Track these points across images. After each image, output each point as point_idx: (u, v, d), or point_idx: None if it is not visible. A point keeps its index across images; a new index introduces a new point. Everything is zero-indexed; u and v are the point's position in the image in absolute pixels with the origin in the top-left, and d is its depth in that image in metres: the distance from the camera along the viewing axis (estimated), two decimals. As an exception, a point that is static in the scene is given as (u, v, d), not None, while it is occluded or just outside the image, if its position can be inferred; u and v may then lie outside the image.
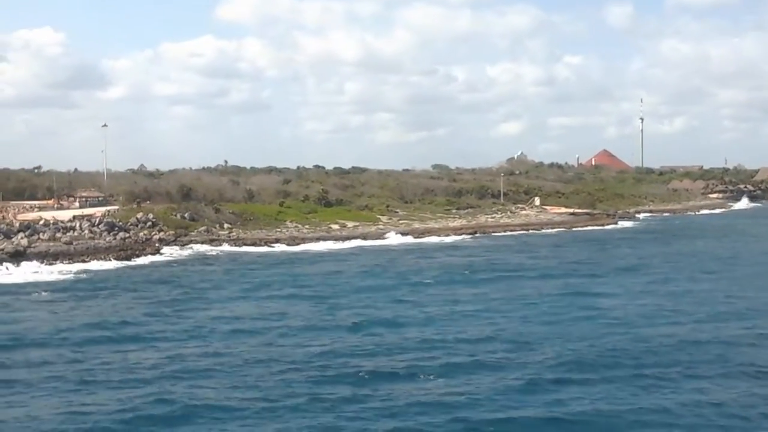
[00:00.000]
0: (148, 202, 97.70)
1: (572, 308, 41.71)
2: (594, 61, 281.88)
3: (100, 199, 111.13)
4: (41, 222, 71.85)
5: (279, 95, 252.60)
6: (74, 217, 78.18)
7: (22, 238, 65.16)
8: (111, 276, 55.03)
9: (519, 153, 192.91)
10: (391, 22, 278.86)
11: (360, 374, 28.36)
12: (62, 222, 73.27)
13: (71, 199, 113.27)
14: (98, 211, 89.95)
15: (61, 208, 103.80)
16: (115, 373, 28.79)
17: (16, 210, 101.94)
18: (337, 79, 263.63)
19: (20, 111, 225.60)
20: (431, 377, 28.22)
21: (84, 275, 55.26)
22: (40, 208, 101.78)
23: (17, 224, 68.82)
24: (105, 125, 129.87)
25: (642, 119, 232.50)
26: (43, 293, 47.04)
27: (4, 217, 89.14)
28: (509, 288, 49.25)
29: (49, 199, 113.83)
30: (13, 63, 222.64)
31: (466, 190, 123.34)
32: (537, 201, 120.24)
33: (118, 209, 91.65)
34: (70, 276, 54.66)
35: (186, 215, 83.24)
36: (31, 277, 53.77)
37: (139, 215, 79.42)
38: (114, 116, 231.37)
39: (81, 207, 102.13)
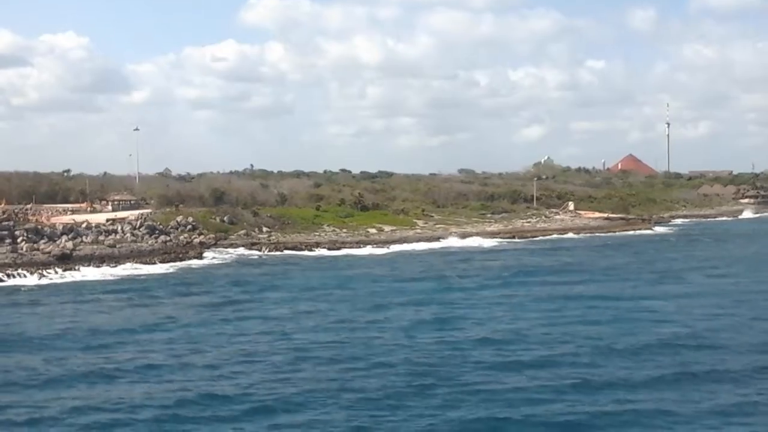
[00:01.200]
0: (181, 205, 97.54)
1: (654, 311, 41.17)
2: (617, 66, 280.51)
3: (131, 202, 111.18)
4: (83, 225, 71.59)
5: (301, 99, 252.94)
6: (108, 220, 78.06)
7: (66, 241, 64.95)
8: (162, 278, 54.78)
9: (546, 158, 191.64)
10: (413, 27, 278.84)
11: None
12: (104, 225, 73.03)
13: (104, 202, 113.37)
14: (131, 214, 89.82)
15: (94, 211, 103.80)
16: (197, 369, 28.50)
17: (50, 213, 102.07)
18: (359, 83, 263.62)
19: (45, 115, 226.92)
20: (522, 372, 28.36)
21: (135, 278, 55.06)
22: (74, 212, 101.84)
23: (60, 227, 68.51)
24: (137, 129, 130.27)
25: (668, 124, 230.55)
26: (102, 295, 46.63)
27: (38, 221, 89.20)
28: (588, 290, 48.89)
29: (82, 202, 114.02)
30: (37, 67, 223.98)
31: (498, 194, 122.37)
32: (571, 206, 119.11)
33: (151, 212, 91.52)
34: (122, 279, 54.40)
35: (225, 219, 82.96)
36: (83, 280, 53.47)
37: (179, 218, 79.19)
38: (137, 120, 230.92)
39: (114, 210, 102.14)
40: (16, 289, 49.71)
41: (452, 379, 27.61)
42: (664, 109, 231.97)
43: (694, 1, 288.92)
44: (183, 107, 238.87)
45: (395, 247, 77.84)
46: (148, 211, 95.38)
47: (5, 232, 62.85)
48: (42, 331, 36.20)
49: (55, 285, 51.70)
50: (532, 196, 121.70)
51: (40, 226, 67.92)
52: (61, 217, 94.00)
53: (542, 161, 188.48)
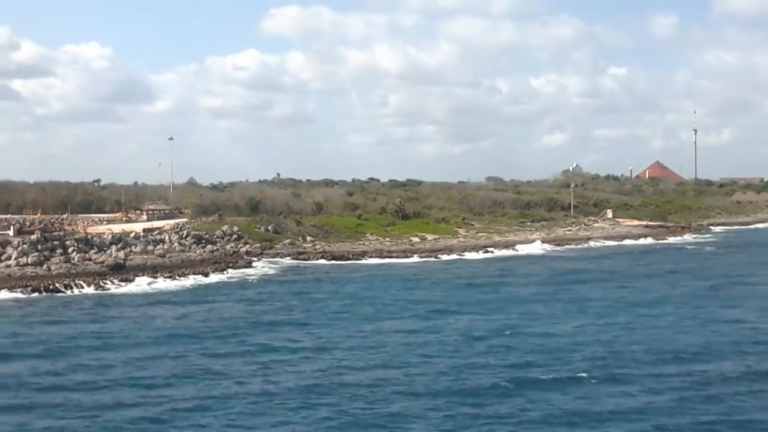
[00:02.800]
0: (217, 215, 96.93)
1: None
2: (639, 72, 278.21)
3: (166, 212, 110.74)
4: (132, 235, 70.96)
5: (323, 108, 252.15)
6: (145, 229, 77.45)
7: (116, 251, 64.22)
8: (226, 286, 54.20)
9: (574, 165, 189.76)
10: (434, 34, 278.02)
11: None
12: (152, 235, 72.44)
13: (138, 212, 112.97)
14: (167, 223, 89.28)
15: (129, 220, 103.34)
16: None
17: (86, 223, 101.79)
18: (381, 91, 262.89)
19: (68, 125, 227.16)
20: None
21: (201, 286, 54.73)
22: (109, 221, 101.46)
23: (110, 237, 67.82)
24: (171, 138, 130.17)
25: (695, 130, 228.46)
26: (167, 305, 45.92)
27: (74, 230, 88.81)
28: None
29: (117, 212, 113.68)
30: (61, 77, 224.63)
31: (533, 202, 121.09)
32: (609, 213, 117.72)
33: (187, 222, 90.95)
34: (189, 288, 53.93)
35: (269, 228, 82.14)
36: (151, 289, 52.83)
37: (224, 228, 78.47)
38: (160, 130, 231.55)
39: (149, 220, 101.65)
40: (80, 299, 48.78)
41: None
42: (687, 115, 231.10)
43: (716, 8, 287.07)
44: (205, 116, 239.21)
45: (471, 255, 77.76)
46: (184, 220, 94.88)
47: (56, 242, 62.15)
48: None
49: (126, 294, 50.71)
50: (569, 203, 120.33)
51: (90, 236, 67.17)
52: (97, 226, 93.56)
53: (570, 168, 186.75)
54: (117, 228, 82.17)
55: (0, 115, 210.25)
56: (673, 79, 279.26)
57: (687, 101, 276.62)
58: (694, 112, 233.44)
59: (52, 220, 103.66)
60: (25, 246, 59.17)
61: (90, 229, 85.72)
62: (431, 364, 30.59)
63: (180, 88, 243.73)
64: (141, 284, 55.49)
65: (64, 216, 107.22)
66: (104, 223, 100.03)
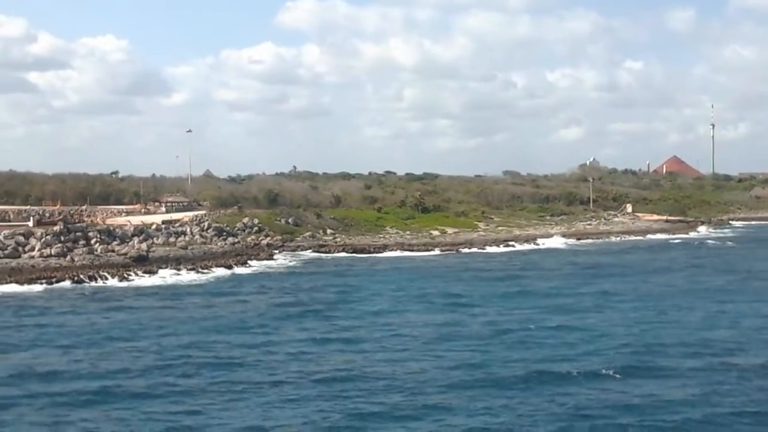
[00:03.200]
0: (235, 207, 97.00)
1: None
2: (655, 67, 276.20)
3: (184, 204, 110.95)
4: (153, 227, 71.02)
5: (338, 101, 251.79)
6: (164, 221, 77.54)
7: (139, 242, 64.23)
8: (247, 280, 54.01)
9: (591, 159, 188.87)
10: (450, 28, 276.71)
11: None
12: (173, 227, 72.49)
13: (157, 203, 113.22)
14: (185, 216, 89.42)
15: (148, 212, 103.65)
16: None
17: (105, 215, 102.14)
18: (396, 85, 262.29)
19: (85, 117, 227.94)
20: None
21: (226, 278, 54.57)
22: (128, 213, 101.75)
23: (132, 229, 67.89)
24: (189, 131, 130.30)
25: (713, 125, 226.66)
26: (196, 298, 45.79)
27: (93, 222, 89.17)
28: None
29: (136, 203, 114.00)
30: (77, 70, 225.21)
31: (552, 196, 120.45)
32: (629, 208, 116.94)
33: (206, 214, 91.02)
34: (215, 279, 53.76)
35: (289, 220, 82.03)
36: (166, 282, 52.63)
37: (245, 220, 78.41)
38: (176, 122, 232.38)
39: (167, 212, 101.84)
40: (106, 290, 48.74)
41: None
42: (704, 110, 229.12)
43: (733, 2, 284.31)
44: (221, 109, 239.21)
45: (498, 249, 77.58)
46: (203, 212, 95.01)
47: (79, 234, 62.20)
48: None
49: (152, 287, 50.42)
50: (588, 198, 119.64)
51: (112, 228, 67.24)
52: (116, 218, 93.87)
53: (587, 163, 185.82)
54: (136, 220, 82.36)
55: (17, 107, 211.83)
56: (690, 73, 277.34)
57: (704, 96, 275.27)
58: (712, 107, 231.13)
59: (72, 212, 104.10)
60: (49, 237, 59.23)
61: (109, 221, 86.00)
62: (462, 355, 30.44)
63: (196, 80, 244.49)
64: (165, 276, 55.45)
65: (84, 207, 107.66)
66: (123, 214, 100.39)
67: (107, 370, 28.14)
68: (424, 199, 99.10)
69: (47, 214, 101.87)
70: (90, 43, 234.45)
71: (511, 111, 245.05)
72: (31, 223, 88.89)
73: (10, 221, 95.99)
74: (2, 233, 59.63)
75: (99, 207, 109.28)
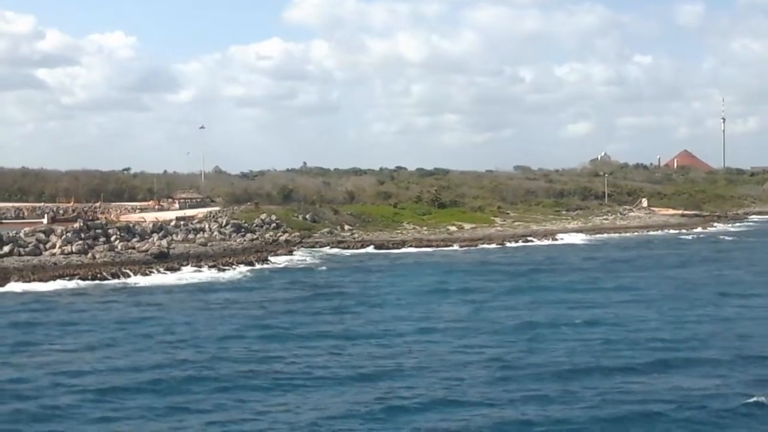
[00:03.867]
0: (248, 203, 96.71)
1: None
2: (664, 61, 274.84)
3: (198, 200, 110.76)
4: (172, 223, 70.74)
5: (346, 97, 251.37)
6: (178, 218, 77.29)
7: (158, 239, 63.88)
8: (271, 276, 53.62)
9: (602, 153, 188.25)
10: (458, 23, 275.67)
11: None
12: (192, 223, 72.21)
13: (170, 200, 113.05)
14: (199, 212, 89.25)
15: (161, 209, 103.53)
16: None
17: (119, 211, 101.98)
18: (404, 80, 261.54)
19: (94, 114, 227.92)
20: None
21: (242, 276, 53.94)
22: (142, 210, 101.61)
23: (151, 226, 67.58)
24: (203, 127, 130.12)
25: (724, 119, 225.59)
26: (224, 294, 45.47)
27: (107, 218, 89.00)
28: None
29: (149, 200, 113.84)
30: (86, 67, 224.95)
31: (567, 191, 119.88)
32: (644, 202, 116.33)
33: (219, 210, 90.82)
34: (230, 277, 53.24)
35: (307, 217, 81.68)
36: (189, 279, 52.26)
37: (263, 216, 78.06)
38: (184, 119, 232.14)
39: (181, 208, 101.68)
40: (129, 287, 48.30)
41: None
42: (713, 104, 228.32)
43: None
44: (229, 105, 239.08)
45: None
46: (216, 209, 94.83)
47: (99, 231, 61.87)
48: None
49: (177, 284, 49.72)
50: (603, 192, 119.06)
51: (131, 225, 66.93)
52: (130, 215, 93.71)
53: (599, 157, 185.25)
54: (150, 216, 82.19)
55: (26, 104, 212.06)
56: (699, 67, 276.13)
57: (713, 89, 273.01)
58: (723, 101, 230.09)
59: (85, 209, 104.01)
60: (69, 234, 58.86)
61: (123, 218, 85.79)
62: (497, 350, 30.00)
63: (204, 77, 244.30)
64: (188, 273, 55.05)
65: (97, 204, 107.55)
66: (137, 211, 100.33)
67: (144, 365, 27.87)
68: (440, 194, 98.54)
69: (61, 211, 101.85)
70: (98, 39, 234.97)
71: (519, 106, 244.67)
72: (45, 220, 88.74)
73: (24, 218, 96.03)
74: (22, 230, 59.31)
75: (113, 204, 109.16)
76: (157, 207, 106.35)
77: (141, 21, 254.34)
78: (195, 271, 55.80)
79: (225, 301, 42.40)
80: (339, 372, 26.95)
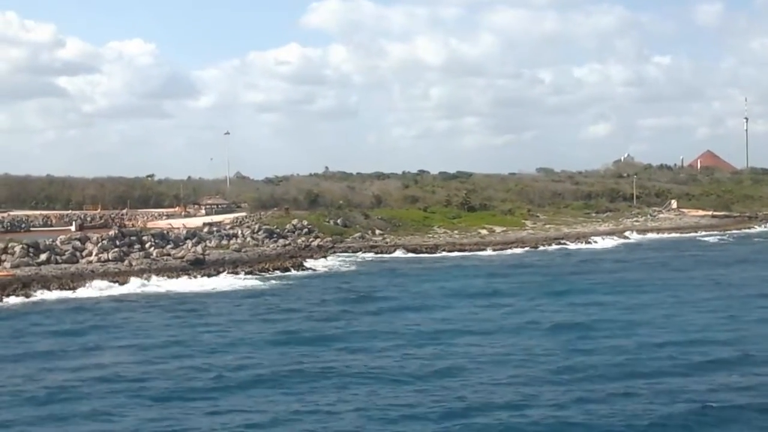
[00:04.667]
0: (275, 209, 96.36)
1: None
2: (683, 61, 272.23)
3: (223, 206, 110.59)
4: (205, 230, 70.38)
5: (365, 101, 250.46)
6: (205, 224, 76.95)
7: (192, 245, 63.50)
8: (310, 282, 52.92)
9: (626, 155, 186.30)
10: (476, 26, 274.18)
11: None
12: (225, 229, 71.86)
13: (196, 206, 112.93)
14: (226, 218, 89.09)
15: (188, 215, 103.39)
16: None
17: (146, 218, 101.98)
18: (422, 84, 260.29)
19: (114, 121, 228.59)
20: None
21: (281, 280, 53.57)
22: (168, 216, 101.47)
23: (184, 232, 67.25)
24: (227, 133, 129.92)
25: (746, 119, 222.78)
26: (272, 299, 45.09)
27: (134, 225, 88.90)
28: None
29: (176, 206, 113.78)
30: (106, 74, 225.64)
31: (595, 193, 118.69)
32: (674, 204, 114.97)
33: (245, 216, 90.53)
34: (270, 283, 52.67)
35: (338, 221, 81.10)
36: (229, 285, 51.70)
37: (294, 222, 77.56)
38: (205, 125, 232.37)
39: (207, 214, 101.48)
40: (171, 294, 47.77)
41: None
42: (734, 104, 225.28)
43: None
44: (249, 111, 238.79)
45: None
46: (243, 214, 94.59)
47: (134, 238, 61.58)
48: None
49: (219, 291, 49.07)
50: (631, 194, 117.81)
51: (165, 231, 66.61)
52: (157, 221, 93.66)
53: (622, 158, 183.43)
54: (177, 223, 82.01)
55: (47, 112, 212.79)
56: (719, 67, 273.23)
57: (733, 89, 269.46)
58: (746, 100, 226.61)
59: (112, 215, 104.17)
60: (105, 242, 58.57)
61: (150, 224, 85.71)
62: (563, 350, 29.75)
63: (223, 83, 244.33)
64: (226, 279, 54.56)
65: (124, 211, 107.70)
66: (164, 217, 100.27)
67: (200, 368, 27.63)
68: (470, 197, 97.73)
69: (89, 218, 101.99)
70: (118, 47, 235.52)
71: (538, 108, 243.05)
72: (73, 228, 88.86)
73: (52, 226, 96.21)
74: (58, 238, 59.06)
75: (139, 210, 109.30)
76: (183, 213, 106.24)
77: (160, 28, 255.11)
78: (234, 277, 55.26)
79: (273, 306, 41.92)
80: (407, 372, 26.70)
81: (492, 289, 47.15)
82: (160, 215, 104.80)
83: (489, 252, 73.25)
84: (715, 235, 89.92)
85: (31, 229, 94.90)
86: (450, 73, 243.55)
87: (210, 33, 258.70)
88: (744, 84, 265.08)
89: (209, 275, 55.45)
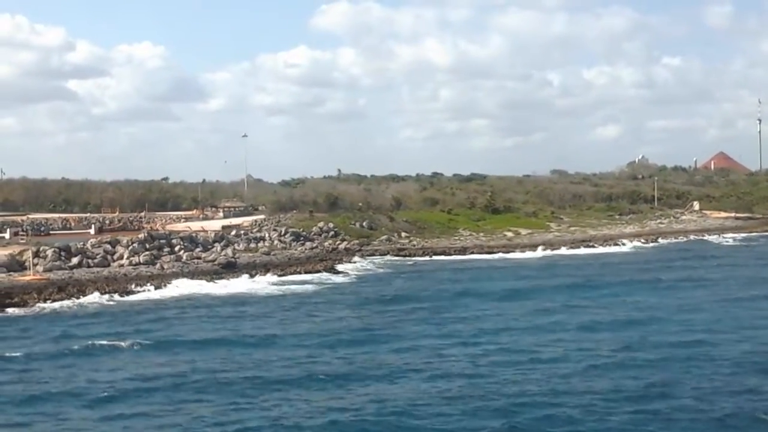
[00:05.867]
0: (294, 211, 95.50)
1: None
2: (693, 63, 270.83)
3: (241, 209, 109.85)
4: (233, 233, 69.65)
5: (374, 104, 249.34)
6: (224, 227, 76.24)
7: (221, 248, 62.75)
8: (345, 285, 52.35)
9: (640, 156, 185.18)
10: (485, 28, 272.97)
11: None
12: (252, 233, 71.14)
13: (214, 209, 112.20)
14: (244, 221, 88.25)
15: (206, 218, 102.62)
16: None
17: (164, 221, 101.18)
18: (431, 86, 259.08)
19: (124, 124, 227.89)
20: None
21: (315, 284, 52.71)
22: (186, 219, 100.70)
23: (212, 235, 66.48)
24: (245, 135, 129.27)
25: (760, 120, 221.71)
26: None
27: (152, 228, 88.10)
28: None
29: (194, 209, 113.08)
30: (116, 77, 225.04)
31: (615, 195, 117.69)
32: (696, 205, 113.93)
33: (265, 219, 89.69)
34: (305, 286, 51.89)
35: (364, 224, 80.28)
36: (264, 288, 50.91)
37: (320, 224, 76.73)
38: (214, 128, 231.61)
39: (225, 217, 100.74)
40: (208, 298, 46.96)
41: None
42: (744, 105, 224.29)
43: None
44: (258, 114, 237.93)
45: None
46: (262, 217, 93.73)
47: (163, 241, 60.83)
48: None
49: (255, 294, 48.58)
50: (652, 196, 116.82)
51: (195, 234, 65.85)
52: (175, 224, 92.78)
53: (636, 160, 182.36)
54: (195, 225, 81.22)
55: (57, 115, 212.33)
56: (729, 68, 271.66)
57: (743, 90, 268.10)
58: (759, 102, 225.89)
59: (131, 218, 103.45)
60: (135, 245, 57.84)
61: (169, 227, 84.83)
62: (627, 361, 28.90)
63: (233, 86, 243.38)
64: (260, 282, 53.81)
65: (142, 214, 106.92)
66: (182, 220, 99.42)
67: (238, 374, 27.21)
68: (494, 200, 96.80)
69: (107, 221, 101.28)
70: (127, 50, 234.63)
71: (548, 110, 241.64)
72: (92, 231, 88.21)
73: (71, 229, 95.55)
74: (89, 241, 58.35)
75: (157, 213, 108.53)
76: (201, 216, 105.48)
77: (169, 31, 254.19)
78: (269, 281, 54.48)
79: (319, 310, 41.44)
80: (473, 374, 26.45)
81: (533, 290, 47.45)
82: (178, 218, 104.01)
83: (518, 254, 72.39)
84: (743, 237, 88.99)
85: (51, 232, 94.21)
86: (459, 75, 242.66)
87: (219, 36, 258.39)
88: (754, 85, 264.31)
89: (251, 277, 54.94)
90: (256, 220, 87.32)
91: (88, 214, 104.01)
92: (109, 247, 57.62)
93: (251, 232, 70.85)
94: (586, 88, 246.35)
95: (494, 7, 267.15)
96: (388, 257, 69.59)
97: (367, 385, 25.30)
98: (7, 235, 76.32)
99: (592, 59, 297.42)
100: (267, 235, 70.45)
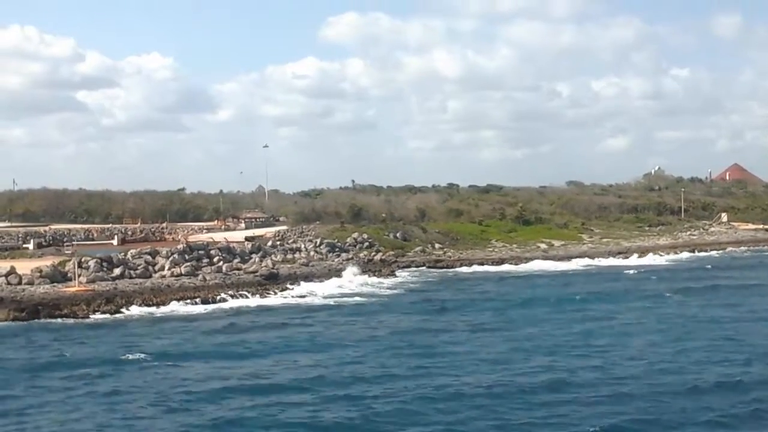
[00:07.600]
0: (317, 222, 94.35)
1: None
2: (702, 73, 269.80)
3: (262, 219, 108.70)
4: (269, 244, 68.46)
5: (382, 114, 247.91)
6: (247, 238, 75.13)
7: (259, 259, 61.59)
8: (392, 296, 51.50)
9: (657, 168, 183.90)
10: (493, 39, 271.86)
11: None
12: (288, 243, 69.99)
13: (236, 220, 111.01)
14: (267, 231, 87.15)
15: (228, 229, 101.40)
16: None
17: (186, 231, 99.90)
18: (440, 97, 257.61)
19: (133, 135, 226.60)
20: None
21: (361, 294, 51.91)
22: (208, 230, 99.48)
23: (249, 246, 65.30)
24: (266, 146, 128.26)
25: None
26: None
27: (174, 239, 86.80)
28: None
29: (215, 220, 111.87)
30: (125, 88, 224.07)
31: (641, 206, 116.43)
32: (724, 217, 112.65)
33: (287, 230, 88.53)
34: (354, 297, 50.91)
35: (398, 235, 79.09)
36: (308, 299, 49.92)
37: (355, 235, 75.54)
38: (223, 139, 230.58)
39: (247, 228, 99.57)
40: (254, 309, 45.87)
41: None
42: (753, 117, 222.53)
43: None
44: (267, 125, 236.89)
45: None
46: (284, 227, 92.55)
47: (201, 252, 59.68)
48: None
49: (301, 304, 47.77)
50: (678, 207, 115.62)
51: (231, 245, 64.63)
52: (198, 235, 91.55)
53: (652, 171, 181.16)
54: (218, 236, 79.96)
55: (67, 126, 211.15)
56: (738, 79, 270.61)
57: (752, 102, 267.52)
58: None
59: (153, 229, 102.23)
60: (175, 257, 56.70)
61: (191, 238, 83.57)
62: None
63: (241, 97, 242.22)
64: (302, 292, 52.71)
65: (164, 225, 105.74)
66: (203, 231, 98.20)
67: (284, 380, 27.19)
68: (525, 211, 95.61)
69: (129, 232, 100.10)
70: (136, 61, 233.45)
71: (557, 121, 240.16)
72: (115, 242, 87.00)
73: (93, 240, 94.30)
74: (129, 252, 57.19)
75: (178, 224, 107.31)
76: (223, 227, 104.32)
77: (178, 42, 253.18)
78: (309, 292, 53.35)
79: (376, 320, 41.01)
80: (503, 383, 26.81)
81: (584, 298, 47.31)
82: (200, 229, 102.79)
83: (553, 265, 71.13)
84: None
85: (73, 243, 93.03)
86: (467, 86, 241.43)
87: (228, 47, 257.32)
88: (763, 96, 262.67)
89: (287, 289, 53.77)
90: (279, 231, 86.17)
91: (110, 225, 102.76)
92: (149, 258, 56.51)
93: (287, 243, 69.63)
94: (594, 99, 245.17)
95: (502, 19, 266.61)
96: (426, 269, 68.37)
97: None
98: (30, 246, 75.31)
99: (601, 70, 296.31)
100: (303, 246, 69.29)
